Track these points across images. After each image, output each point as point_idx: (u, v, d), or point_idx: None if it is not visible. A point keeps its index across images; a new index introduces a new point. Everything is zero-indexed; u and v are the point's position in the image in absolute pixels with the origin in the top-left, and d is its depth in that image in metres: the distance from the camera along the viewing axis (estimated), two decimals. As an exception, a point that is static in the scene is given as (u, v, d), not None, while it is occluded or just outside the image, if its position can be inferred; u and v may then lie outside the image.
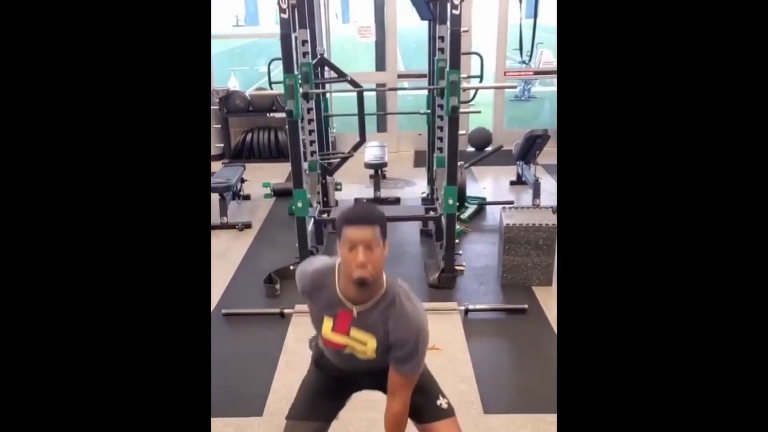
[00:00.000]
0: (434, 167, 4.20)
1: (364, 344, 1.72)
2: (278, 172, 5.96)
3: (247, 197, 5.45)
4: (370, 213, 1.67)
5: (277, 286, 3.64)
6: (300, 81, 3.36)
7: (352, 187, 5.50)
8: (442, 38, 3.70)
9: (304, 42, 3.73)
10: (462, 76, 3.34)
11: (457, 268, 3.72)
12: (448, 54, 3.41)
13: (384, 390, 1.80)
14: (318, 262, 1.82)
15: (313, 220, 3.92)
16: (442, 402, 1.85)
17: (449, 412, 1.85)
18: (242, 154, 6.73)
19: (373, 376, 1.84)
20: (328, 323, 1.73)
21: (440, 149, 4.02)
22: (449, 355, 2.98)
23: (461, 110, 3.43)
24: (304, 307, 3.32)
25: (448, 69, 3.33)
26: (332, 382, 1.91)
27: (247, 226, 4.79)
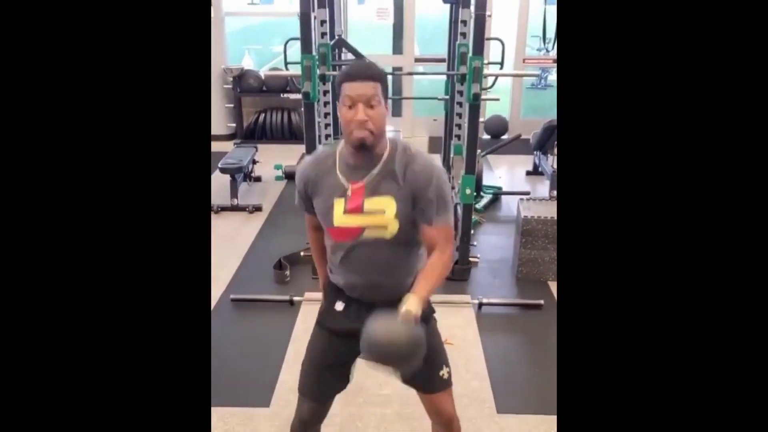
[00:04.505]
0: (451, 154, 4.10)
1: (383, 212, 1.59)
2: (290, 154, 5.88)
3: (258, 179, 5.37)
4: (371, 68, 1.56)
5: (287, 273, 3.57)
6: (318, 62, 3.26)
7: (365, 172, 5.41)
8: (464, 22, 3.59)
9: (322, 22, 3.62)
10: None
11: (471, 259, 3.64)
12: (471, 39, 3.31)
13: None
14: (319, 149, 1.73)
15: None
16: (444, 372, 1.81)
17: (448, 383, 1.82)
18: (254, 134, 6.65)
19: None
20: (339, 205, 1.61)
21: (458, 137, 3.92)
22: (461, 350, 2.90)
23: (480, 97, 3.32)
24: (314, 296, 3.28)
25: (470, 55, 3.23)
26: (337, 347, 1.77)
27: (258, 208, 4.71)
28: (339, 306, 1.75)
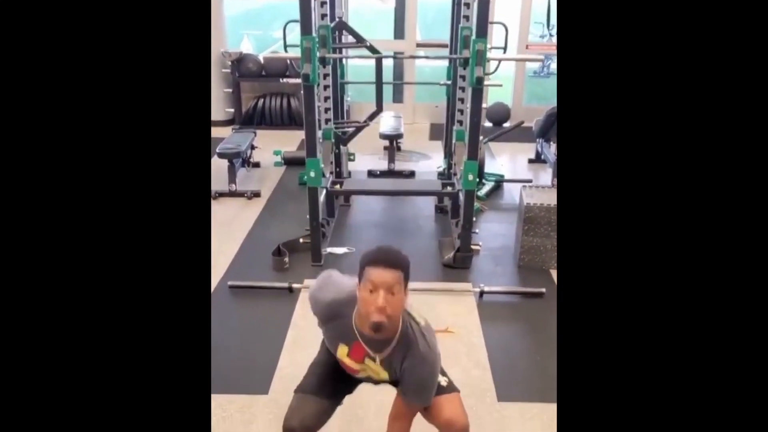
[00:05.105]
0: (453, 141, 4.04)
1: (378, 374, 1.76)
2: (289, 140, 5.82)
3: (256, 165, 5.31)
4: (396, 257, 1.62)
5: (286, 259, 3.52)
6: (318, 44, 3.19)
7: (365, 158, 5.35)
8: (467, 5, 3.51)
9: (322, 3, 3.55)
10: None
11: (473, 247, 3.59)
12: (474, 21, 3.24)
13: (395, 383, 1.80)
14: (334, 289, 1.76)
15: (324, 191, 3.78)
16: (441, 380, 1.81)
17: (450, 389, 1.82)
18: (253, 119, 6.58)
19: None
20: (343, 349, 1.74)
21: (460, 122, 3.86)
22: (462, 338, 2.86)
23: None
24: (312, 283, 3.22)
25: (474, 37, 3.16)
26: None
27: (256, 194, 4.65)
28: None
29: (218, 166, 4.69)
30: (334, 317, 1.71)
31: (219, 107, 6.57)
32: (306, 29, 3.06)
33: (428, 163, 5.48)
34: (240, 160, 4.80)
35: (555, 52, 8.99)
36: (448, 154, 4.34)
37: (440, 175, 4.71)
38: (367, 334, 1.64)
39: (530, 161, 5.51)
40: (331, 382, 1.84)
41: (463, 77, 3.71)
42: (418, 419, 1.83)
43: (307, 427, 1.75)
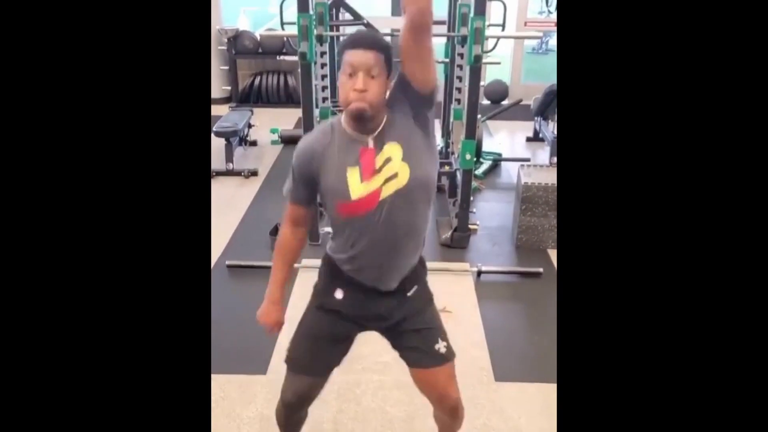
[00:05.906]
0: (450, 119, 4.02)
1: (393, 163, 1.49)
2: (286, 118, 5.78)
3: (253, 143, 5.28)
4: (375, 38, 1.49)
5: (284, 239, 3.51)
6: (315, 22, 3.15)
7: (362, 137, 5.33)
8: (466, -18, 3.47)
9: (319, -20, 3.49)
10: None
11: (470, 227, 3.59)
12: (472, -1, 3.20)
13: (392, 334, 1.71)
14: (317, 126, 1.64)
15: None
16: (440, 346, 1.67)
17: (448, 356, 1.69)
18: (250, 98, 6.54)
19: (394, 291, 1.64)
20: (354, 175, 1.50)
21: (458, 101, 3.84)
22: (460, 318, 2.87)
23: (480, 61, 3.23)
24: (311, 262, 3.23)
25: (472, 15, 3.12)
26: (338, 322, 1.71)
27: (254, 173, 4.64)
28: (338, 294, 1.68)
29: (215, 145, 4.67)
30: (328, 145, 1.54)
31: (215, 85, 6.53)
32: (303, 6, 3.02)
33: (426, 141, 5.46)
34: (237, 138, 4.77)
35: (553, 28, 8.90)
36: (446, 133, 4.32)
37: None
38: (357, 131, 1.51)
39: (528, 140, 5.49)
40: (321, 358, 1.74)
41: (461, 55, 3.68)
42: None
43: (303, 398, 1.77)
